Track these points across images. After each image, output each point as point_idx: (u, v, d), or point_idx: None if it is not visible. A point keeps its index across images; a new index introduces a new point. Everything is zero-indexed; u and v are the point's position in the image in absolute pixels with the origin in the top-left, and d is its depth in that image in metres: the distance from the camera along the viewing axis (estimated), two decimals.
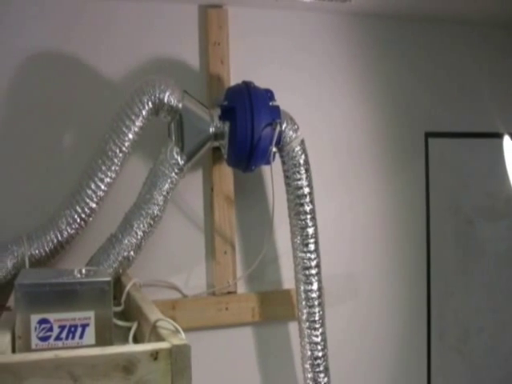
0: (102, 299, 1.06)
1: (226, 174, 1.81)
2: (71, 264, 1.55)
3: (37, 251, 1.53)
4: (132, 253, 1.55)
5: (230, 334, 1.81)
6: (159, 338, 1.02)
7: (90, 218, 1.56)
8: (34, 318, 1.03)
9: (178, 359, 0.95)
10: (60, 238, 1.54)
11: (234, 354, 1.82)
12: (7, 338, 1.01)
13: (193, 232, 1.81)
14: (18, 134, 1.68)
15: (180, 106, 1.61)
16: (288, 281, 1.87)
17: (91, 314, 1.05)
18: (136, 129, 1.57)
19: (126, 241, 1.54)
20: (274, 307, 1.85)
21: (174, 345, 0.95)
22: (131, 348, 0.95)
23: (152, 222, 1.57)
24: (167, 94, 1.59)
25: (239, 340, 1.85)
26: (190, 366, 0.95)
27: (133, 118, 1.57)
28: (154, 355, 0.94)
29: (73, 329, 1.04)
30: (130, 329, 1.24)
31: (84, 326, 1.05)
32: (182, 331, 1.01)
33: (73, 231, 1.55)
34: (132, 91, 1.59)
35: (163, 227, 1.64)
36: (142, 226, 1.55)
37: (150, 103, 1.57)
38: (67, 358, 0.91)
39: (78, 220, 1.54)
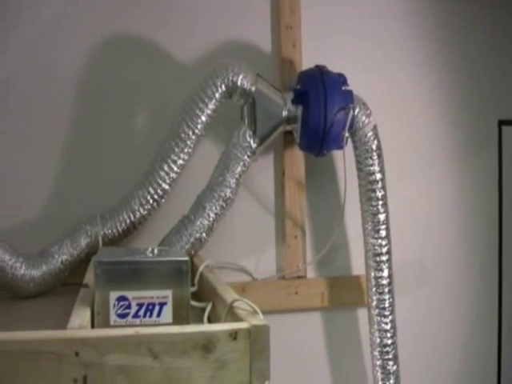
0: (180, 278, 1.06)
1: (297, 158, 1.79)
2: (143, 244, 1.56)
3: (110, 231, 1.55)
4: (204, 234, 1.55)
5: (299, 319, 1.80)
6: (236, 318, 1.02)
7: (163, 200, 1.57)
8: (113, 295, 1.04)
9: (257, 339, 0.94)
10: (132, 219, 1.55)
11: (302, 338, 1.82)
12: (87, 313, 1.02)
13: (263, 215, 1.81)
14: (92, 117, 1.71)
15: (253, 89, 1.60)
16: (358, 267, 1.85)
17: (169, 292, 1.05)
18: (209, 111, 1.57)
19: (199, 222, 1.55)
20: (344, 293, 1.83)
21: (252, 325, 0.94)
22: (211, 327, 0.94)
23: (224, 205, 1.56)
24: (240, 77, 1.58)
25: (308, 325, 1.84)
26: (268, 346, 0.94)
27: (206, 100, 1.56)
28: (233, 335, 0.93)
29: (150, 307, 1.05)
30: (202, 309, 1.24)
31: (162, 305, 1.05)
32: (259, 312, 1.00)
33: (145, 212, 1.56)
34: (205, 74, 1.59)
35: (234, 210, 1.63)
36: (214, 208, 1.55)
37: (223, 86, 1.57)
38: (148, 335, 0.91)
39: (151, 201, 1.55)
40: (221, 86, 1.57)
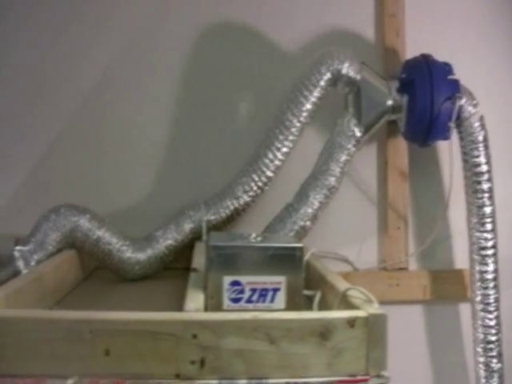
0: (294, 265, 1.05)
1: (400, 148, 1.76)
2: (246, 231, 1.55)
3: (213, 217, 1.56)
4: (308, 223, 1.53)
5: (401, 311, 1.76)
6: (351, 306, 1.00)
7: (266, 187, 1.56)
8: (227, 280, 1.04)
9: (375, 328, 0.93)
10: (236, 205, 1.56)
11: (403, 330, 1.77)
12: (201, 297, 1.02)
13: (365, 205, 1.78)
14: (196, 104, 1.72)
15: (358, 77, 1.57)
16: (461, 260, 1.80)
17: (282, 278, 1.04)
18: (314, 99, 1.55)
19: (302, 210, 1.53)
20: (446, 286, 1.79)
21: (370, 313, 0.93)
22: (328, 314, 0.94)
23: (328, 193, 1.55)
24: (346, 65, 1.56)
25: (409, 317, 1.81)
26: (385, 335, 0.93)
27: (311, 88, 1.55)
28: (351, 323, 0.92)
29: (264, 292, 1.04)
30: (309, 297, 1.22)
31: (275, 291, 1.04)
32: (375, 300, 0.98)
33: (249, 199, 1.56)
34: (311, 62, 1.57)
35: (336, 199, 1.61)
36: (318, 196, 1.54)
37: (328, 74, 1.55)
38: (265, 320, 0.91)
39: (255, 188, 1.55)
40: (326, 74, 1.55)
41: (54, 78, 1.70)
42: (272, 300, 1.04)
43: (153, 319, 0.90)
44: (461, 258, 1.79)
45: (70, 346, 0.91)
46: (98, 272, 1.61)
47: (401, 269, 1.75)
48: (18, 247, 1.31)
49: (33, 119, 1.70)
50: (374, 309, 0.95)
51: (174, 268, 1.58)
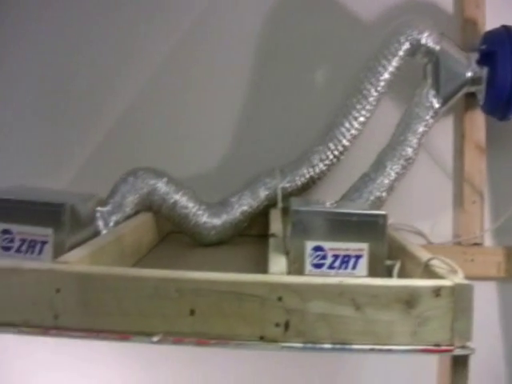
0: (377, 232, 1.05)
1: (477, 122, 1.72)
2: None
3: (288, 184, 1.55)
4: (384, 193, 1.52)
5: (474, 287, 1.73)
6: (434, 276, 0.99)
7: (342, 156, 1.55)
8: (309, 245, 1.04)
9: (461, 298, 0.92)
10: (312, 173, 1.55)
11: (476, 307, 1.74)
12: (283, 261, 1.02)
13: (440, 178, 1.75)
14: (274, 73, 1.72)
15: (437, 48, 1.54)
16: None
17: (365, 246, 1.04)
18: (392, 69, 1.53)
19: (379, 181, 1.51)
20: None
21: (456, 283, 0.92)
22: (414, 282, 0.93)
23: (405, 164, 1.53)
24: (425, 35, 1.53)
25: (483, 294, 1.75)
26: (471, 306, 0.92)
27: (389, 57, 1.53)
28: (437, 292, 0.91)
29: (346, 259, 1.04)
30: (388, 267, 1.21)
31: (357, 258, 1.04)
32: (460, 270, 0.97)
33: (325, 167, 1.55)
34: (389, 31, 1.55)
35: (411, 171, 1.58)
36: (395, 166, 1.52)
37: (407, 43, 1.52)
38: (351, 286, 0.91)
39: (331, 156, 1.54)
40: (405, 44, 1.53)
41: (136, 41, 1.73)
42: (354, 267, 1.04)
43: (239, 280, 0.90)
44: None
45: (155, 304, 0.92)
46: (172, 236, 1.63)
47: (476, 244, 1.72)
48: (98, 208, 1.32)
49: (112, 80, 1.72)
50: (460, 279, 0.93)
51: (248, 235, 1.58)
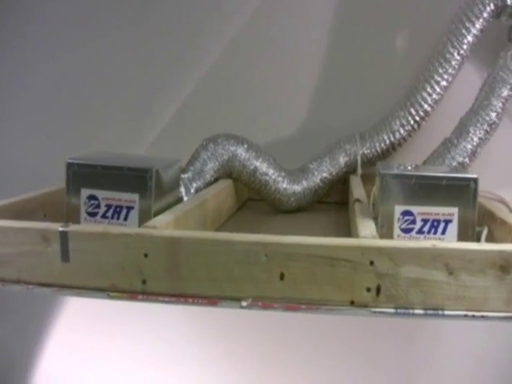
0: (468, 197, 1.02)
1: None
2: None
3: (368, 151, 1.53)
4: (467, 159, 1.48)
5: None
6: None
7: (424, 121, 1.51)
8: (398, 209, 1.02)
9: None
10: (392, 139, 1.52)
11: None
12: (372, 225, 1.00)
13: None
14: (352, 36, 1.69)
15: None
16: None
17: (455, 210, 1.01)
18: (475, 31, 1.48)
19: (462, 146, 1.48)
20: None
21: None
22: (509, 247, 0.89)
23: (489, 129, 1.48)
24: None
25: None
26: None
27: (473, 19, 1.48)
28: None
29: (435, 223, 1.02)
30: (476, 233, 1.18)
31: (447, 222, 1.02)
32: None
33: (405, 133, 1.51)
34: None
35: (494, 136, 1.53)
36: (478, 132, 1.48)
37: (491, 5, 1.47)
38: (445, 250, 0.88)
39: (411, 122, 1.51)
40: (489, 5, 1.47)
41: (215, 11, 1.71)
42: (443, 232, 1.02)
43: (330, 244, 0.89)
44: None
45: (244, 269, 0.91)
46: (250, 203, 1.63)
47: None
48: (181, 175, 1.32)
49: (190, 48, 1.71)
50: None
51: (327, 202, 1.56)
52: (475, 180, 1.02)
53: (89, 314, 1.84)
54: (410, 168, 1.12)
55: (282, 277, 0.91)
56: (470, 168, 1.51)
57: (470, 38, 1.48)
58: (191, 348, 1.85)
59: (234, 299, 0.93)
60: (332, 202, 1.56)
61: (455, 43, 1.48)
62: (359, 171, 1.50)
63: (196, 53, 1.73)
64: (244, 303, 0.92)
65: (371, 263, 0.88)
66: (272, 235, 0.93)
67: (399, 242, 0.94)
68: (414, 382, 1.81)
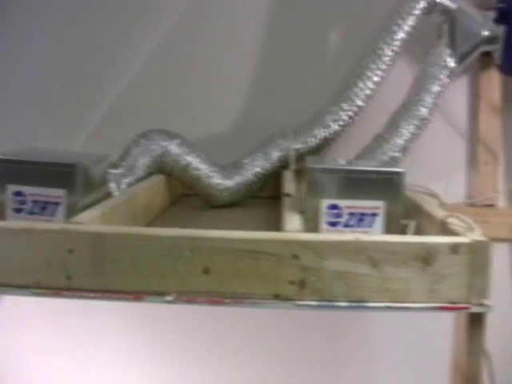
0: (394, 190, 1.03)
1: (493, 82, 1.68)
2: None
3: (301, 145, 1.54)
4: (398, 154, 1.50)
5: None
6: (451, 234, 0.97)
7: (356, 117, 1.53)
8: (325, 203, 1.02)
9: (478, 255, 0.90)
10: (325, 134, 1.53)
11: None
12: (298, 219, 1.01)
13: (454, 139, 1.73)
14: (286, 32, 1.69)
15: (454, 6, 1.52)
16: None
17: (381, 203, 1.02)
18: (407, 28, 1.50)
19: (393, 141, 1.50)
20: None
21: (474, 240, 0.90)
22: (432, 239, 0.91)
23: (420, 124, 1.51)
24: None
25: (495, 256, 1.75)
26: (490, 263, 0.90)
27: (405, 16, 1.50)
28: (454, 249, 0.89)
29: (362, 217, 1.02)
30: (403, 226, 1.19)
31: (373, 216, 1.02)
32: (477, 228, 0.95)
33: (338, 128, 1.52)
34: None
35: (426, 132, 1.56)
36: (409, 127, 1.50)
37: (423, 2, 1.50)
38: (368, 242, 0.89)
39: (344, 117, 1.52)
40: (421, 2, 1.50)
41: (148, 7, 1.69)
42: (370, 225, 1.02)
43: (254, 238, 0.89)
44: None
45: (169, 263, 0.91)
46: (183, 199, 1.62)
47: (489, 205, 1.70)
48: (110, 170, 1.30)
49: (123, 44, 1.69)
50: (478, 235, 0.91)
51: (260, 197, 1.56)
52: (401, 174, 1.03)
53: (26, 314, 1.80)
54: (342, 162, 1.12)
55: (206, 271, 0.90)
56: (403, 163, 1.52)
57: (401, 35, 1.50)
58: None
59: (159, 294, 0.92)
60: (265, 197, 1.56)
61: (387, 39, 1.50)
62: (292, 166, 1.50)
63: (128, 49, 1.71)
64: (168, 298, 0.91)
65: (295, 257, 0.88)
66: (196, 230, 0.92)
67: (323, 235, 0.94)
68: (345, 376, 1.82)
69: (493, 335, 1.67)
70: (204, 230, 0.92)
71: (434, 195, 1.69)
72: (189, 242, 0.90)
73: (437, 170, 1.72)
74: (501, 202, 1.73)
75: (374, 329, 1.80)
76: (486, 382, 1.00)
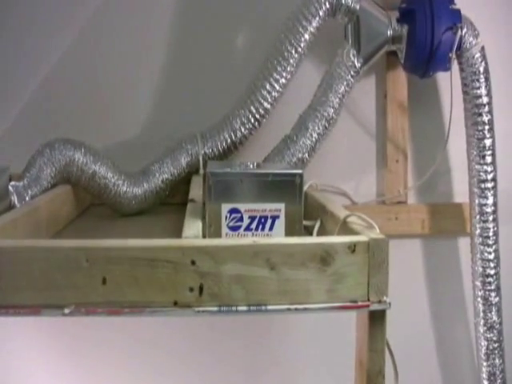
0: (294, 192, 1.04)
1: (399, 80, 1.72)
2: None
3: (210, 150, 1.54)
4: (306, 155, 1.52)
5: (399, 245, 1.74)
6: (352, 233, 0.98)
7: (264, 119, 1.54)
8: (225, 207, 1.02)
9: (376, 253, 0.91)
10: (233, 138, 1.54)
11: (401, 264, 1.75)
12: (199, 225, 1.01)
13: (364, 138, 1.76)
14: (191, 35, 1.69)
15: (358, 7, 1.54)
16: (460, 194, 1.78)
17: (281, 206, 1.03)
18: (312, 29, 1.52)
19: (301, 142, 1.51)
20: (445, 220, 1.77)
21: (371, 238, 0.91)
22: (329, 239, 0.92)
23: (327, 125, 1.53)
24: None
25: (407, 251, 1.80)
26: (387, 260, 0.92)
27: (309, 18, 1.51)
28: (352, 248, 0.90)
29: (263, 220, 1.03)
30: (309, 228, 1.20)
31: (274, 218, 1.03)
32: (376, 226, 0.96)
33: (246, 131, 1.53)
34: None
35: (334, 132, 1.58)
36: (317, 128, 1.52)
37: (327, 3, 1.52)
38: (265, 245, 0.89)
39: (252, 120, 1.53)
40: (325, 4, 1.52)
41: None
42: (271, 228, 1.03)
43: (150, 246, 0.88)
44: (460, 192, 1.78)
45: (66, 275, 0.89)
46: (92, 209, 1.60)
47: (399, 202, 1.74)
48: (12, 182, 1.28)
49: (28, 50, 1.66)
50: (375, 234, 0.93)
51: (171, 203, 1.56)
52: (300, 175, 1.03)
53: None
54: (250, 166, 1.13)
55: (104, 281, 0.89)
56: (311, 163, 1.54)
57: (307, 36, 1.52)
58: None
59: (58, 307, 0.90)
60: (176, 204, 1.55)
61: (293, 41, 1.51)
62: (201, 171, 1.50)
63: (31, 57, 1.67)
64: (67, 310, 0.89)
65: (193, 263, 0.88)
66: (92, 240, 0.91)
67: (219, 240, 0.95)
68: (266, 380, 1.83)
69: (411, 329, 1.75)
70: (100, 240, 0.91)
71: (345, 195, 1.71)
72: (84, 252, 0.88)
73: (347, 169, 1.75)
74: (411, 199, 1.76)
75: (292, 329, 1.81)
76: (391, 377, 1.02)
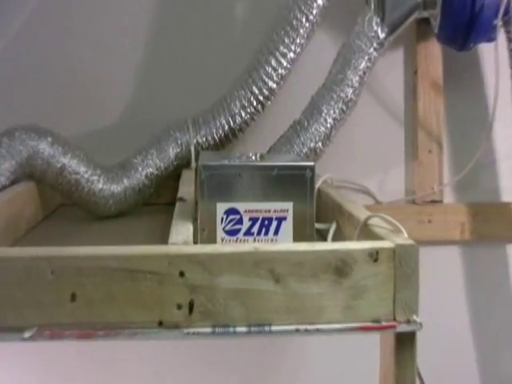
0: (303, 188, 1.03)
1: (433, 54, 1.72)
2: None
3: (204, 139, 1.54)
4: (320, 144, 1.52)
5: (433, 253, 1.74)
6: (374, 237, 0.98)
7: (269, 101, 1.54)
8: (221, 207, 1.02)
9: (404, 263, 0.90)
10: (232, 124, 1.54)
11: (436, 275, 1.76)
12: (189, 229, 1.00)
13: (390, 124, 1.76)
14: (184, 5, 1.69)
15: None
16: (508, 191, 1.78)
17: (289, 205, 1.02)
18: None
19: (313, 129, 1.51)
20: (490, 223, 1.76)
21: (398, 244, 0.90)
22: (346, 246, 0.91)
23: (345, 108, 1.52)
24: None
25: (443, 260, 1.79)
26: (417, 271, 0.91)
27: None
28: (374, 256, 0.90)
29: (266, 222, 1.02)
30: (322, 232, 1.20)
31: (280, 220, 1.02)
32: (404, 230, 0.96)
33: (248, 116, 1.54)
34: None
35: (355, 117, 1.58)
36: (332, 111, 1.52)
37: None
38: (269, 253, 0.89)
39: (254, 103, 1.53)
40: None
41: None
42: (276, 232, 1.03)
43: (130, 254, 0.88)
44: (507, 189, 1.79)
45: (27, 291, 0.88)
46: (62, 209, 1.61)
47: (433, 202, 1.74)
48: None
49: None
50: (403, 239, 0.92)
51: (156, 203, 1.57)
52: (311, 168, 1.03)
53: None
54: (253, 158, 1.13)
55: (73, 298, 0.89)
56: (327, 155, 1.54)
57: (320, 1, 1.52)
58: None
59: (17, 330, 0.90)
60: (162, 203, 1.56)
61: (303, 7, 1.52)
62: (193, 164, 1.50)
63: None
64: (27, 334, 0.89)
65: (181, 274, 0.88)
66: (58, 247, 0.91)
67: (214, 246, 0.94)
68: None
69: (448, 355, 1.74)
70: (68, 248, 0.90)
71: (367, 193, 1.71)
72: (49, 262, 0.88)
73: (369, 161, 1.75)
74: (447, 198, 1.76)
75: (300, 356, 1.81)
76: None
